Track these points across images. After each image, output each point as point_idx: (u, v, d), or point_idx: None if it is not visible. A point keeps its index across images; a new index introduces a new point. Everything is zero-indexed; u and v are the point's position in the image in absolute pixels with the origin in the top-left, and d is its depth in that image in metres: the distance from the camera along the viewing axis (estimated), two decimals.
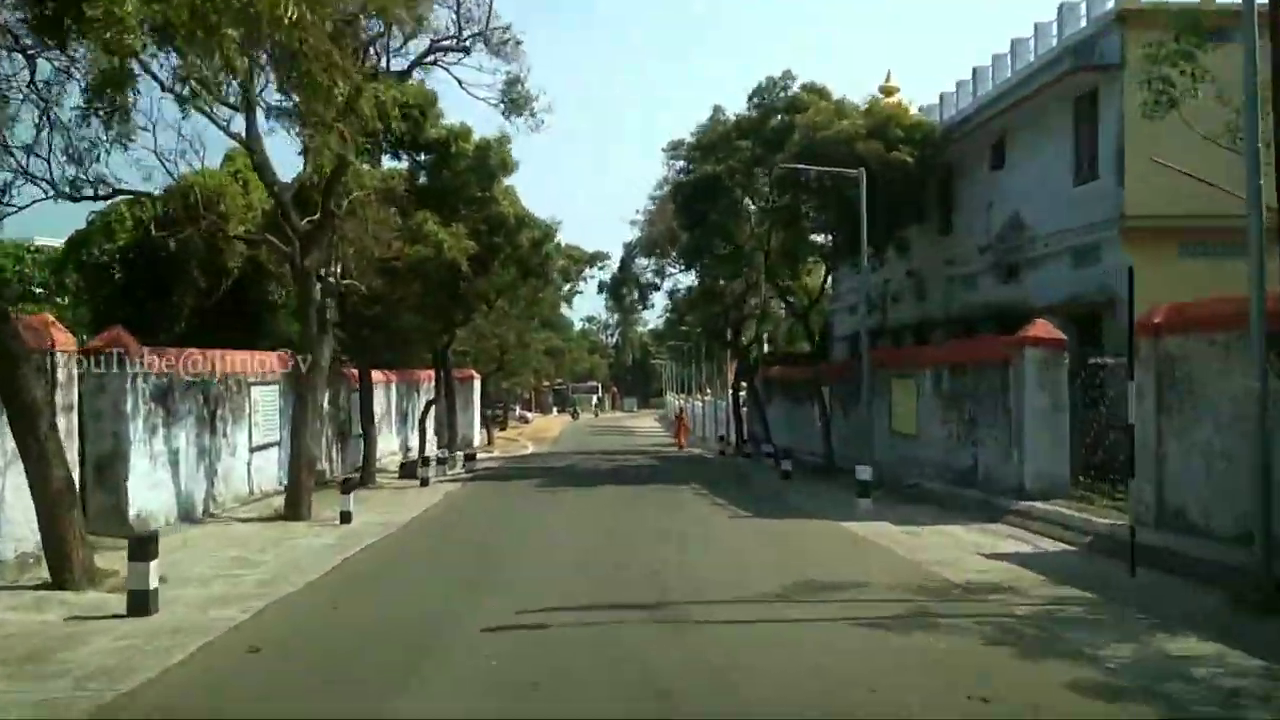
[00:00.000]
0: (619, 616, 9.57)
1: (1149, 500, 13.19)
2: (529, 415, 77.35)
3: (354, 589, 11.58)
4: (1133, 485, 13.32)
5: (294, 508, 17.35)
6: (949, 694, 7.20)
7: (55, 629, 9.14)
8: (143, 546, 9.72)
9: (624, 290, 39.73)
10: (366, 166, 23.86)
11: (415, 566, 13.40)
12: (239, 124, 16.94)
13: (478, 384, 45.54)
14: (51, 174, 14.98)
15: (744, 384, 39.44)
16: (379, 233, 21.87)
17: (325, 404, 23.34)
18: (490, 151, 26.46)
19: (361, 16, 14.79)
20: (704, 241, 29.00)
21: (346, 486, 17.46)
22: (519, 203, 28.73)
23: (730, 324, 38.48)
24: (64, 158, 14.18)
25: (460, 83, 19.52)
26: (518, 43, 19.10)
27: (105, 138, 13.19)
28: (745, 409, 39.06)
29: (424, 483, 24.06)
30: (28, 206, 15.61)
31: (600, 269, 42.73)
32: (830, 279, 33.09)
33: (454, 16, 18.63)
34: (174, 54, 9.56)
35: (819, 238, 29.28)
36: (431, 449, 30.59)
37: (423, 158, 27.14)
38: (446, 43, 18.56)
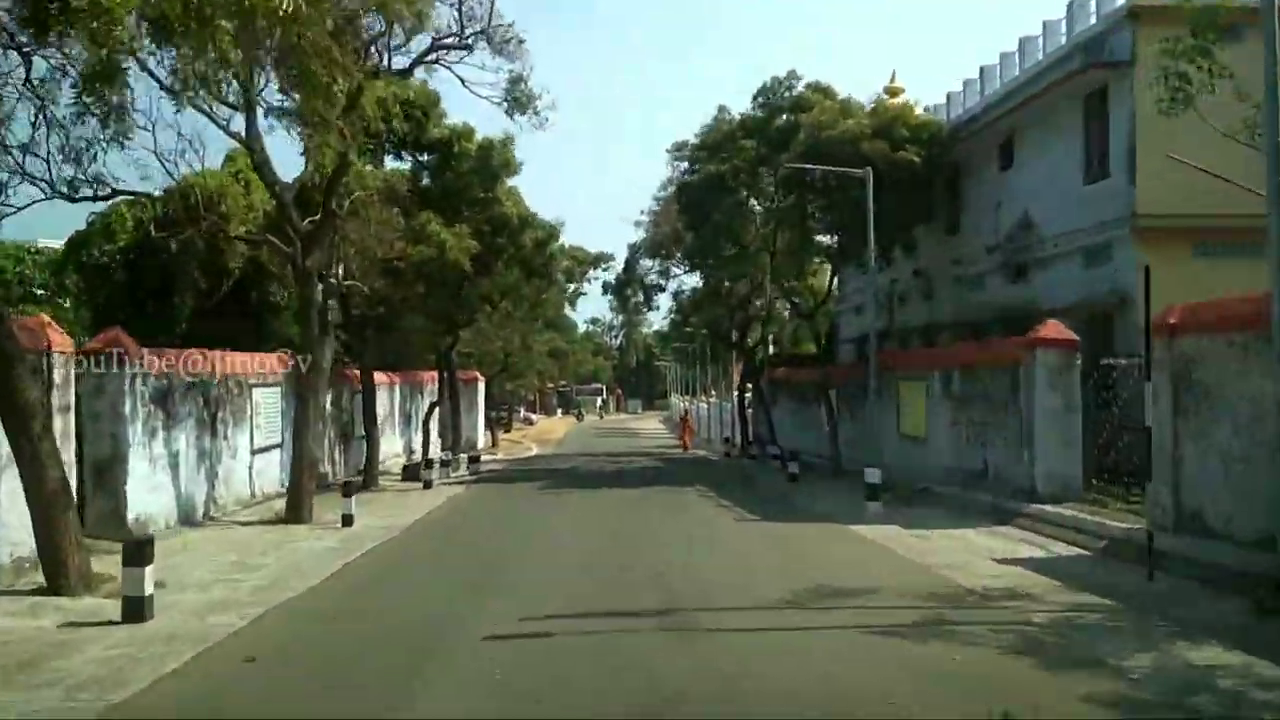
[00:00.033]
0: (625, 624, 9.34)
1: (1165, 504, 12.93)
2: (533, 417, 77.16)
3: (354, 594, 11.37)
4: (1149, 488, 13.12)
5: (295, 511, 17.14)
6: (968, 706, 6.96)
7: (49, 636, 8.94)
8: (138, 551, 9.50)
9: (629, 291, 39.50)
10: (370, 167, 23.72)
11: (417, 571, 13.18)
12: (239, 123, 16.76)
13: (482, 386, 45.38)
14: (51, 174, 14.85)
15: (749, 386, 39.21)
16: (381, 233, 21.70)
17: (328, 406, 23.15)
18: (493, 152, 26.32)
19: (362, 13, 14.53)
20: (709, 242, 28.79)
21: (348, 489, 17.26)
22: (522, 203, 28.60)
23: (735, 325, 38.27)
24: (61, 157, 13.98)
25: (463, 81, 19.32)
26: (520, 41, 18.91)
27: (102, 136, 12.96)
28: (750, 411, 38.85)
29: (427, 485, 23.85)
30: (26, 207, 15.51)
31: (605, 270, 42.56)
32: (836, 280, 32.84)
33: (456, 14, 18.46)
34: (170, 49, 9.28)
35: (825, 238, 29.06)
36: (435, 451, 30.40)
37: (425, 158, 27.01)
38: (449, 40, 18.35)
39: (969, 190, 26.01)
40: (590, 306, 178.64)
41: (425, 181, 26.94)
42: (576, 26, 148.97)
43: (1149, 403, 12.32)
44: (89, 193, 15.86)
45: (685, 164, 30.36)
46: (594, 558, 13.69)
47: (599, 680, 7.64)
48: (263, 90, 15.89)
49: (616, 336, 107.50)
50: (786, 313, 41.96)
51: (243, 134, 16.85)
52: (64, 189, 15.23)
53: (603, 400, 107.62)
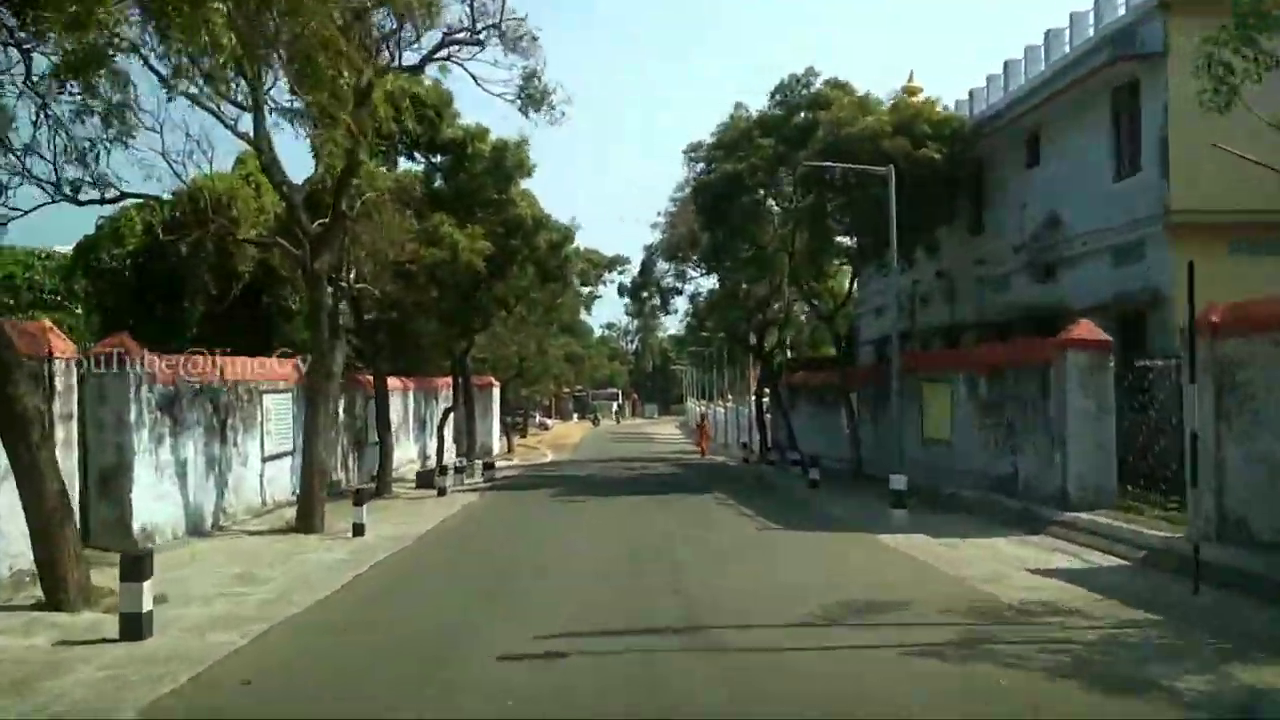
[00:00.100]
0: (645, 643, 8.86)
1: (1208, 511, 12.37)
2: (549, 422, 76.92)
3: (362, 610, 10.92)
4: (1190, 495, 12.55)
5: (306, 520, 16.76)
6: None
7: (42, 654, 8.54)
8: (135, 565, 9.07)
9: (645, 294, 39.07)
10: (382, 169, 23.41)
11: (428, 584, 12.73)
12: (247, 124, 16.37)
13: (497, 391, 45.10)
14: (57, 174, 14.55)
15: (767, 390, 38.71)
16: (393, 235, 21.33)
17: (340, 412, 22.84)
18: (507, 153, 25.97)
19: (370, 4, 14.13)
20: (726, 243, 28.33)
21: (360, 497, 16.87)
22: (537, 205, 28.22)
23: (753, 328, 37.77)
24: (64, 157, 13.63)
25: (475, 79, 18.91)
26: (534, 37, 18.50)
27: (104, 136, 12.62)
28: (769, 415, 38.35)
29: (441, 492, 23.46)
30: (32, 210, 15.24)
31: (620, 273, 42.16)
32: (855, 282, 32.29)
33: (468, 10, 18.07)
34: (167, 38, 8.87)
35: (845, 239, 28.54)
36: (450, 457, 30.04)
37: (439, 159, 26.69)
38: (460, 35, 17.96)
39: (993, 188, 25.43)
40: (605, 311, 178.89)
41: (438, 183, 26.64)
42: (577, 26, 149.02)
43: (1189, 406, 11.79)
44: (95, 195, 15.56)
45: (701, 165, 29.90)
46: (611, 569, 13.23)
47: (621, 710, 7.16)
48: (270, 89, 15.55)
49: (632, 341, 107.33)
50: (804, 316, 41.46)
51: (250, 134, 16.47)
52: (68, 191, 14.92)
53: (619, 405, 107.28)
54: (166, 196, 18.12)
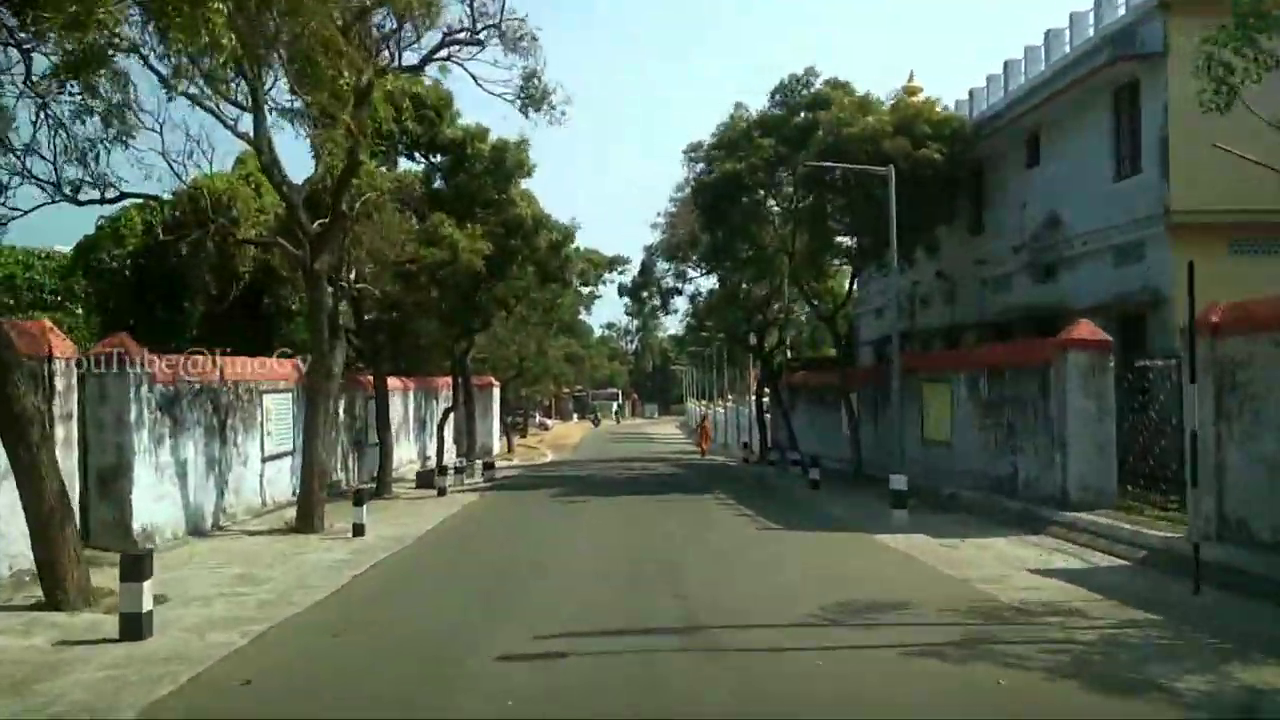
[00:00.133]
0: (646, 643, 8.85)
1: (1208, 511, 12.35)
2: (549, 422, 76.90)
3: (361, 610, 10.90)
4: (1190, 496, 12.54)
5: (305, 520, 16.75)
6: None
7: (41, 655, 8.52)
8: (135, 565, 9.06)
9: (645, 294, 39.04)
10: (383, 169, 23.38)
11: (427, 585, 12.72)
12: (247, 124, 16.34)
13: (497, 391, 45.07)
14: (57, 174, 14.53)
15: (767, 390, 38.70)
16: (393, 235, 21.30)
17: (340, 412, 22.82)
18: (507, 153, 25.94)
19: (370, 3, 14.09)
20: (726, 243, 28.28)
21: (360, 497, 16.85)
22: (537, 204, 28.19)
23: (753, 328, 37.74)
24: (64, 158, 13.61)
25: (475, 79, 18.87)
26: (534, 37, 18.45)
27: (104, 135, 12.60)
28: (769, 415, 38.33)
29: (441, 492, 23.44)
30: (32, 210, 15.23)
31: (620, 273, 42.11)
32: (855, 282, 32.26)
33: (468, 10, 18.03)
34: (168, 39, 8.83)
35: (845, 239, 28.51)
36: (450, 457, 30.01)
37: (439, 159, 26.65)
38: (460, 35, 17.92)
39: (993, 189, 25.42)
40: (605, 311, 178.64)
41: (438, 183, 26.60)
42: (576, 26, 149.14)
43: (1189, 406, 11.78)
44: (95, 195, 15.54)
45: (701, 165, 29.86)
46: (611, 569, 13.21)
47: (621, 710, 7.13)
48: (271, 89, 15.53)
49: (632, 341, 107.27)
50: (804, 316, 41.42)
51: (250, 134, 16.45)
52: (68, 191, 14.90)
53: (619, 405, 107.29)
54: (167, 196, 18.14)
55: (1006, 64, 24.81)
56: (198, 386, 16.46)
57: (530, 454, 46.03)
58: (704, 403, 71.47)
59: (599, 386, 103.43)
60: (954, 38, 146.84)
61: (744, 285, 34.07)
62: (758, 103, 28.61)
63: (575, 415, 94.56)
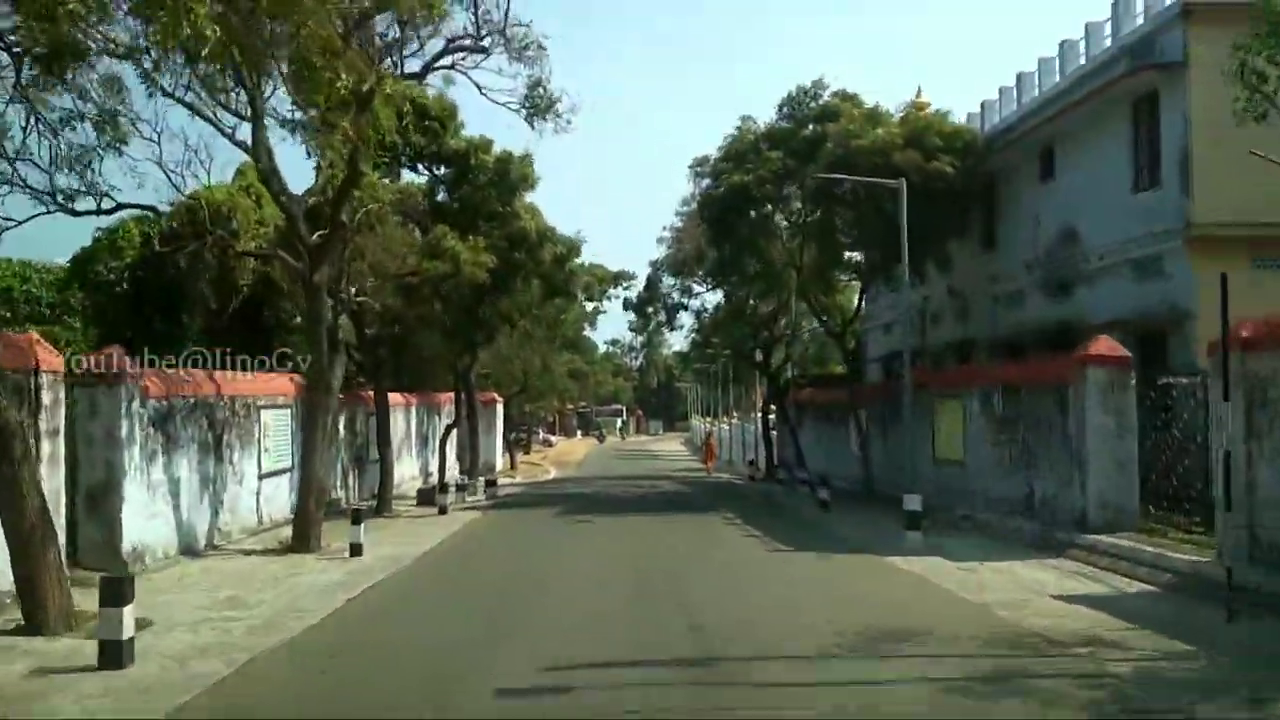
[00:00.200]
0: (657, 675, 8.35)
1: (1239, 533, 11.84)
2: (553, 439, 76.38)
3: (355, 636, 10.41)
4: (1219, 518, 12.05)
5: (302, 539, 16.28)
6: None
7: (14, 685, 8.05)
8: (116, 590, 8.58)
9: (650, 310, 38.63)
10: (386, 180, 23.03)
11: (426, 608, 12.24)
12: (245, 133, 15.98)
13: (500, 407, 44.66)
14: (52, 184, 14.19)
15: (773, 407, 38.22)
16: (395, 248, 20.91)
17: (340, 428, 22.39)
18: (512, 164, 25.61)
19: (369, 3, 13.72)
20: (733, 258, 27.86)
21: (358, 516, 16.39)
22: (541, 217, 27.84)
23: (759, 345, 37.30)
24: (56, 165, 13.25)
25: (480, 88, 18.57)
26: (540, 45, 18.09)
27: (98, 143, 12.23)
28: (775, 433, 37.84)
29: (442, 511, 22.94)
30: (27, 221, 14.93)
31: (625, 288, 41.69)
32: (864, 297, 31.81)
33: (472, 18, 17.68)
34: (148, 32, 8.45)
35: (854, 254, 28.09)
36: (453, 473, 29.54)
37: (442, 171, 26.32)
38: (464, 42, 17.55)
39: (1006, 203, 25.01)
40: (610, 327, 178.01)
41: (441, 195, 26.26)
42: (579, 39, 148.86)
43: (1216, 424, 11.30)
44: (91, 205, 15.21)
45: (708, 180, 29.47)
46: (617, 592, 12.74)
47: None
48: (270, 97, 15.18)
49: (637, 357, 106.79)
50: (807, 334, 40.98)
51: (249, 143, 16.09)
52: (63, 200, 14.55)
53: (623, 422, 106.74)
54: (164, 208, 17.75)
55: (1019, 76, 24.46)
56: (193, 401, 16.04)
57: (534, 471, 45.54)
58: (709, 420, 70.97)
59: (603, 403, 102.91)
60: (966, 51, 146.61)
61: (750, 301, 33.67)
62: (766, 115, 28.30)
63: (579, 432, 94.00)
